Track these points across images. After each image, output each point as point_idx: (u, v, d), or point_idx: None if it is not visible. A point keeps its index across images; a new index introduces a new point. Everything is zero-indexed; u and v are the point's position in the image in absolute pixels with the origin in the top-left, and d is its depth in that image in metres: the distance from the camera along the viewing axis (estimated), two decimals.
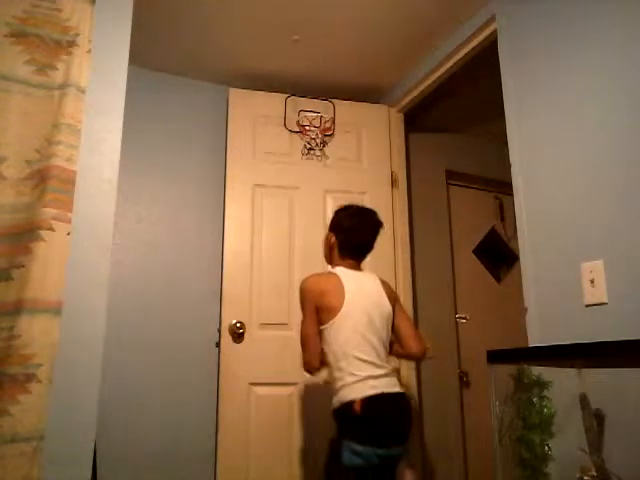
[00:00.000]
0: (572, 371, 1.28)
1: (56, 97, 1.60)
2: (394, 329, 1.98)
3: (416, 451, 2.58)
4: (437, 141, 3.33)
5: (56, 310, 1.45)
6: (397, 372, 2.42)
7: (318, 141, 2.77)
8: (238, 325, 2.45)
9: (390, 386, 1.82)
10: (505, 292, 3.30)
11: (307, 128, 2.77)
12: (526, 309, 1.92)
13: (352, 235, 2.04)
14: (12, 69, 1.58)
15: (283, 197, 2.68)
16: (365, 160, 2.83)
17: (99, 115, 1.69)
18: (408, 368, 2.66)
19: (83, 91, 1.64)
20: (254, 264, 2.56)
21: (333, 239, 2.05)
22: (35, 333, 1.39)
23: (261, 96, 2.75)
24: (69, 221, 1.52)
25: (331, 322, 1.87)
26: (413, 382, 2.66)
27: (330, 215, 2.72)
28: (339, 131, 2.81)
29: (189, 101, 2.82)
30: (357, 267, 2.02)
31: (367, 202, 2.77)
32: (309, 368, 1.93)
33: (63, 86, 1.61)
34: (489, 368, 1.52)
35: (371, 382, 1.79)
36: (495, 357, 1.55)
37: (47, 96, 1.60)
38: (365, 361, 1.81)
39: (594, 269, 1.64)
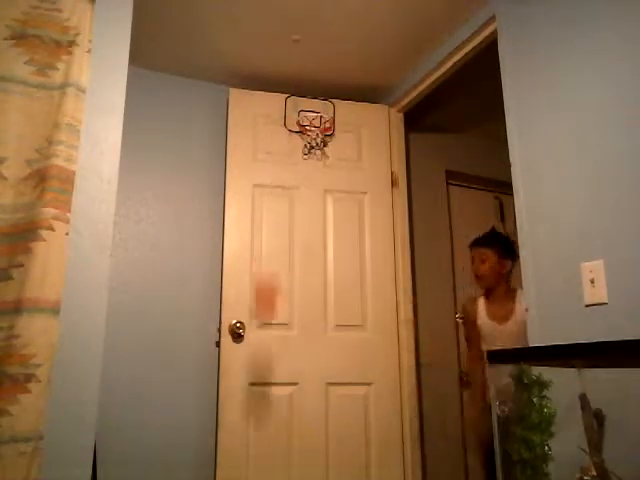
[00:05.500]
0: (572, 371, 1.28)
1: (56, 97, 1.60)
2: None
3: (416, 450, 2.58)
4: (437, 141, 3.33)
5: (55, 310, 1.45)
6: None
7: (318, 141, 2.76)
8: (238, 325, 2.45)
9: None
10: None
11: (307, 128, 2.77)
12: (526, 309, 1.92)
13: None
14: (12, 70, 1.58)
15: (283, 197, 2.68)
16: (365, 160, 2.83)
17: (99, 115, 1.69)
18: (409, 368, 2.66)
19: (83, 91, 1.65)
20: (254, 264, 2.55)
21: None
22: (34, 333, 1.39)
23: (261, 96, 2.75)
24: (68, 221, 1.52)
25: None
26: (413, 382, 2.66)
27: (330, 214, 2.74)
28: (339, 131, 2.81)
29: (189, 101, 2.82)
30: None
31: (367, 202, 2.78)
32: None
33: (63, 86, 1.61)
34: (489, 368, 1.52)
35: None
36: (495, 357, 1.56)
37: (47, 96, 1.60)
38: None
39: (594, 269, 1.64)
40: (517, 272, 2.13)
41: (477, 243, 2.57)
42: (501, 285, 2.48)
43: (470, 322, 2.55)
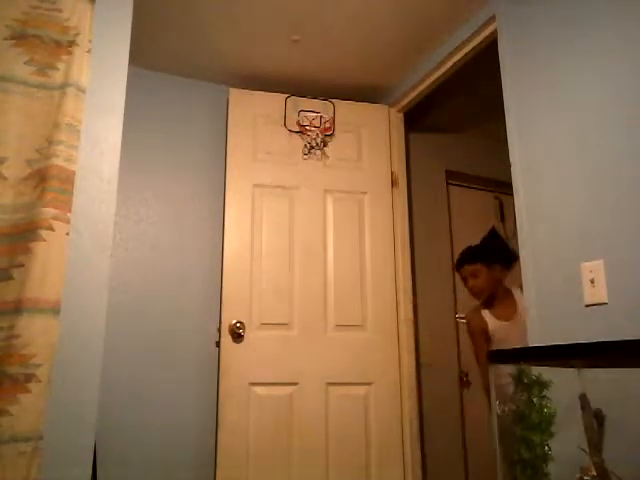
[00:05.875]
0: (572, 371, 1.28)
1: (56, 97, 1.60)
2: None
3: (416, 450, 2.58)
4: (437, 141, 3.33)
5: (55, 310, 1.45)
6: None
7: (318, 141, 2.76)
8: (238, 325, 2.45)
9: None
10: None
11: (307, 128, 2.77)
12: (526, 309, 1.92)
13: None
14: (12, 70, 1.58)
15: (283, 197, 2.68)
16: (365, 160, 2.83)
17: (99, 115, 1.69)
18: (409, 368, 2.66)
19: (83, 91, 1.65)
20: (254, 264, 2.55)
21: None
22: (35, 333, 1.39)
23: (261, 96, 2.75)
24: (68, 221, 1.52)
25: None
26: (413, 382, 2.66)
27: (330, 214, 2.74)
28: (339, 131, 2.81)
29: (189, 101, 2.82)
30: None
31: (367, 202, 2.78)
32: None
33: (63, 86, 1.61)
34: (489, 368, 1.52)
35: None
36: (495, 357, 1.56)
37: (47, 96, 1.60)
38: None
39: (594, 269, 1.64)
40: (517, 273, 2.13)
41: (463, 261, 2.57)
42: (499, 289, 2.50)
43: (477, 333, 2.53)
